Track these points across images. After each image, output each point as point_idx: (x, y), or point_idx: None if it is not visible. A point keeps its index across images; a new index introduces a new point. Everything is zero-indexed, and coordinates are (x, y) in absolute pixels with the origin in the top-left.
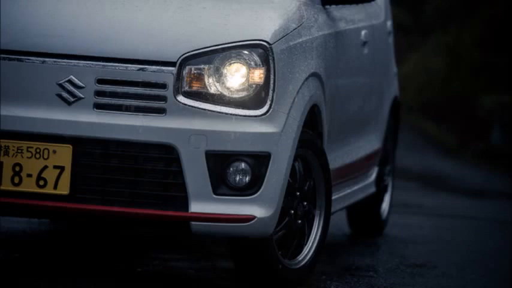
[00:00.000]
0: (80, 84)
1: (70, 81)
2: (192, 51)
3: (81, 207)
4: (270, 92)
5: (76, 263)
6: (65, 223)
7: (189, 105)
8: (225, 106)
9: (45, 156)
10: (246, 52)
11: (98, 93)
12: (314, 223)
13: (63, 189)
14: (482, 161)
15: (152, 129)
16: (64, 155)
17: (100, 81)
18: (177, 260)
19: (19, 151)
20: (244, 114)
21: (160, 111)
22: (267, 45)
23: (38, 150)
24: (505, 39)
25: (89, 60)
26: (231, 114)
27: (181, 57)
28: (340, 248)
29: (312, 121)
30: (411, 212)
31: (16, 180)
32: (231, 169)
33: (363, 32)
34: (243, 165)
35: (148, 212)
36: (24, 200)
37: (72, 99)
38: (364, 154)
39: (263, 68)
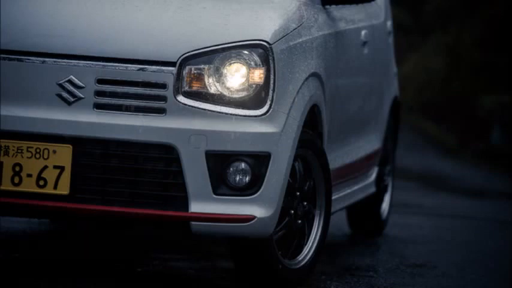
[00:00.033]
0: (80, 84)
1: (70, 81)
2: (192, 51)
3: (81, 207)
4: (270, 92)
5: (76, 263)
6: (65, 223)
7: (189, 105)
8: (225, 106)
9: (45, 156)
10: (246, 52)
11: (98, 93)
12: (314, 223)
13: (63, 189)
14: (482, 161)
15: (152, 129)
16: (64, 155)
17: (100, 81)
18: (177, 260)
19: (19, 151)
20: (244, 114)
21: (160, 111)
22: (267, 45)
23: (38, 150)
24: (505, 39)
25: (89, 60)
26: (231, 114)
27: (181, 57)
28: (340, 248)
29: (312, 121)
30: (411, 212)
31: (16, 180)
32: (231, 169)
33: (363, 32)
34: (243, 165)
35: (148, 212)
36: (24, 200)
37: (72, 99)
38: (364, 154)
39: (263, 68)
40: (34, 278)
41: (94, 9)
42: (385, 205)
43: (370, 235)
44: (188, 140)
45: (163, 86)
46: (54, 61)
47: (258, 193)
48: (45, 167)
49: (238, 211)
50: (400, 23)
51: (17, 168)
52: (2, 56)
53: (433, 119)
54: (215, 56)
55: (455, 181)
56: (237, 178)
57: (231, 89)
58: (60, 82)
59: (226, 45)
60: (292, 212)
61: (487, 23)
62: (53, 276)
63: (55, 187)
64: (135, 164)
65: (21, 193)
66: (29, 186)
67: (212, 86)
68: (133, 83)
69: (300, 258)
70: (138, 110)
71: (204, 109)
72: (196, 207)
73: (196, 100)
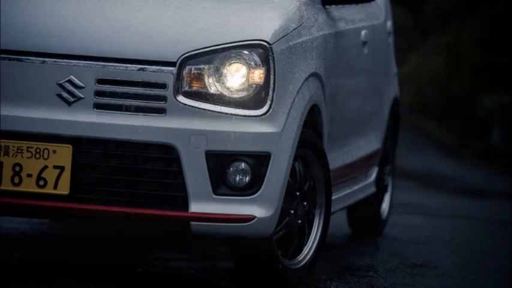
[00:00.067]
0: (80, 84)
1: (70, 81)
2: (192, 51)
3: (81, 207)
4: (270, 92)
5: (76, 263)
6: (65, 223)
7: (189, 105)
8: (225, 106)
9: (45, 156)
10: (246, 52)
11: (98, 93)
12: (314, 223)
13: (63, 189)
14: (482, 161)
15: (152, 129)
16: (64, 155)
17: (100, 81)
18: (177, 260)
19: (19, 151)
20: (244, 114)
21: (160, 111)
22: (267, 45)
23: (38, 150)
24: (505, 39)
25: (88, 60)
26: (231, 114)
27: (181, 57)
28: (340, 248)
29: (312, 121)
30: (411, 212)
31: (16, 180)
32: (231, 169)
33: (363, 32)
34: (243, 165)
35: (148, 212)
36: (24, 200)
37: (72, 99)
38: (364, 154)
39: (263, 68)
40: (34, 278)
41: (94, 10)
42: (385, 205)
43: (370, 235)
44: (188, 140)
45: (163, 86)
46: (54, 61)
47: (258, 193)
48: (45, 167)
49: (238, 211)
50: (400, 23)
51: (17, 168)
52: (2, 56)
53: (433, 119)
54: (215, 56)
55: (455, 181)
56: (237, 178)
57: (231, 89)
58: (60, 82)
59: (226, 45)
60: (292, 212)
61: (487, 23)
62: (53, 276)
63: (55, 187)
64: (135, 164)
65: (21, 193)
66: (29, 186)
67: (212, 86)
68: (133, 83)
69: (300, 258)
70: (138, 110)
71: (204, 109)
72: (196, 207)
73: (196, 100)
